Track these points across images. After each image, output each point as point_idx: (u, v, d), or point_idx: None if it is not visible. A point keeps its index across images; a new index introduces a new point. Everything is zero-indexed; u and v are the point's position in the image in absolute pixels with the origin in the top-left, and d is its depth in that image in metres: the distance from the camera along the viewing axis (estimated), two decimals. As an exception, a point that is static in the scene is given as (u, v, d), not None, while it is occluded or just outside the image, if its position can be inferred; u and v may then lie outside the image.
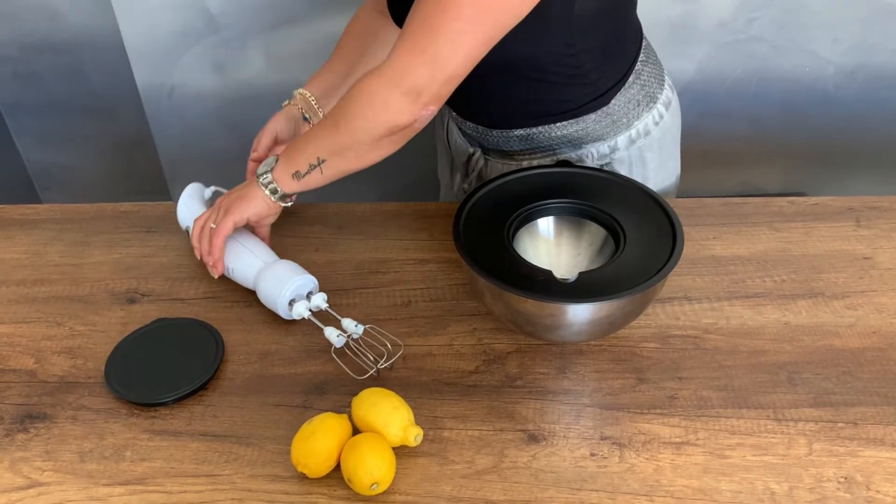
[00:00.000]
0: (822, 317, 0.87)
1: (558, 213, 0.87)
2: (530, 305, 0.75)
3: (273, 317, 0.91)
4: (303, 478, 0.72)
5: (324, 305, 0.89)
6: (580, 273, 0.77)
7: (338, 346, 0.84)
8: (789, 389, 0.79)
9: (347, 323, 0.86)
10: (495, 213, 0.85)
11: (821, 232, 0.99)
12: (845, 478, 0.70)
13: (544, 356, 0.84)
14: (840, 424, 0.75)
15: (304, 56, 1.64)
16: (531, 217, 0.86)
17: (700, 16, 1.55)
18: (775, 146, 1.75)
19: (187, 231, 1.00)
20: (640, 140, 1.00)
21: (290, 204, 0.93)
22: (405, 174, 1.73)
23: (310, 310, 0.88)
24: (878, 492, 0.69)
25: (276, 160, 0.90)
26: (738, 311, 0.88)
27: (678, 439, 0.75)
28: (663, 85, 1.02)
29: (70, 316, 0.92)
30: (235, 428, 0.78)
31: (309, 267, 0.97)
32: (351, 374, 0.82)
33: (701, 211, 1.03)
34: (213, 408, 0.80)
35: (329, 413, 0.74)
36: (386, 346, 0.84)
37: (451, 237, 0.82)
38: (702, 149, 1.75)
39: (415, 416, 0.75)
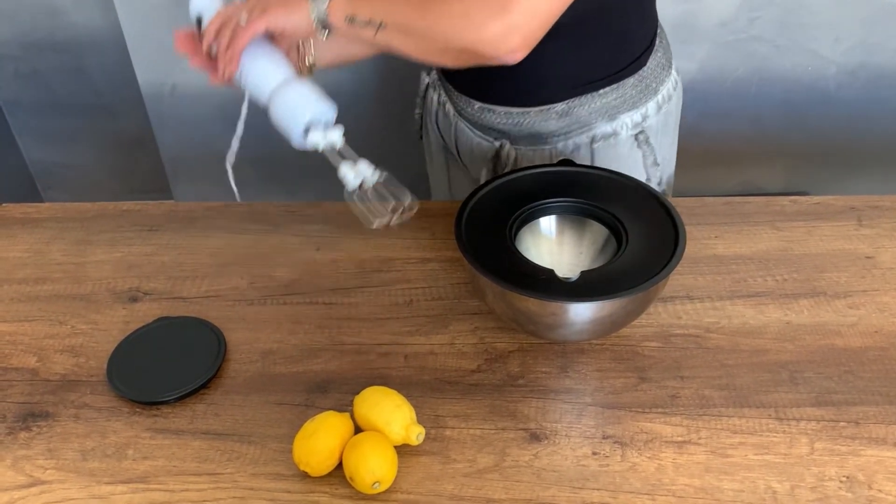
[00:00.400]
0: (824, 316, 0.87)
1: (560, 212, 0.87)
2: (532, 304, 0.75)
3: (275, 315, 0.91)
4: (304, 476, 0.72)
5: (339, 143, 0.79)
6: (582, 272, 0.77)
7: (351, 187, 0.77)
8: (791, 388, 0.79)
9: (364, 166, 0.78)
10: (497, 212, 0.85)
11: (822, 231, 0.99)
12: (847, 477, 0.71)
13: (546, 355, 0.84)
14: (842, 424, 0.75)
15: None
16: (533, 216, 0.86)
17: (701, 15, 1.55)
18: (777, 145, 1.75)
19: (197, 21, 0.85)
20: (665, 105, 1.01)
21: (324, 36, 0.83)
22: (407, 173, 1.72)
23: (326, 143, 0.79)
24: (880, 491, 0.69)
25: None
26: (740, 310, 0.89)
27: (680, 438, 0.75)
28: (671, 50, 1.04)
29: (72, 314, 0.92)
30: (237, 426, 0.78)
31: (310, 266, 0.98)
32: (364, 221, 0.76)
33: (702, 210, 1.03)
34: (215, 406, 0.80)
35: (331, 412, 0.74)
36: (406, 194, 0.78)
37: (452, 236, 0.82)
38: (703, 148, 1.75)
39: (416, 414, 0.75)
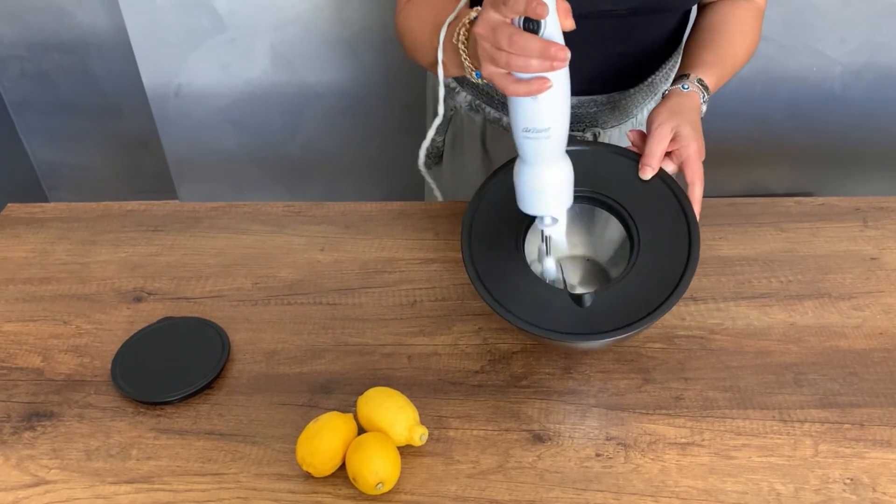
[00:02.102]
0: (829, 317, 0.87)
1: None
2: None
3: (279, 316, 0.91)
4: (308, 477, 0.72)
5: (556, 236, 0.78)
6: (595, 292, 0.77)
7: (551, 278, 0.80)
8: (795, 390, 0.79)
9: (553, 260, 0.81)
10: (505, 211, 0.83)
11: (827, 232, 0.99)
12: (851, 479, 0.70)
13: (550, 356, 0.84)
14: (846, 426, 0.75)
15: (309, 56, 1.64)
16: None
17: (707, 15, 1.54)
18: (782, 146, 1.75)
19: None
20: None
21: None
22: (410, 173, 1.73)
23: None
24: (884, 493, 0.69)
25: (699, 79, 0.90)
26: (745, 311, 0.88)
27: (684, 440, 0.74)
28: None
29: (77, 314, 0.92)
30: (241, 427, 0.78)
31: (314, 267, 0.98)
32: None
33: (707, 211, 1.03)
34: (218, 407, 0.80)
35: (334, 412, 0.74)
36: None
37: (456, 237, 0.82)
38: (708, 148, 1.74)
39: (420, 415, 0.75)
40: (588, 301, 0.76)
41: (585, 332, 0.74)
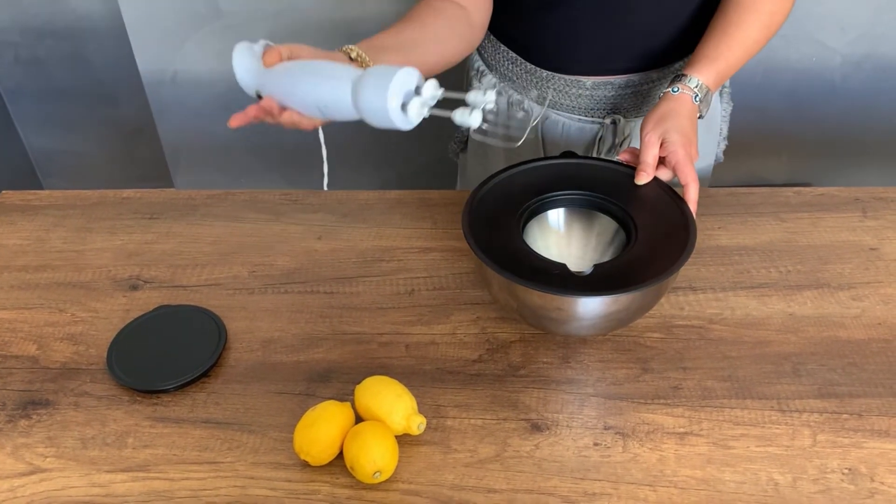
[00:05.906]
0: (828, 308, 0.87)
1: (568, 204, 0.86)
2: (546, 300, 0.73)
3: (276, 304, 0.90)
4: (305, 465, 0.72)
5: (439, 92, 0.71)
6: (595, 266, 0.76)
7: (475, 125, 0.71)
8: (794, 380, 0.79)
9: (473, 96, 0.70)
10: (505, 204, 0.84)
11: (827, 223, 0.99)
12: (849, 469, 0.70)
13: (548, 345, 0.84)
14: (844, 416, 0.75)
15: (306, 43, 1.63)
16: (541, 209, 0.85)
17: (706, 4, 1.53)
18: (781, 136, 1.75)
19: (257, 96, 0.85)
20: None
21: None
22: (412, 162, 1.72)
23: (427, 105, 0.71)
24: (882, 483, 0.69)
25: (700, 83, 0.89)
26: (743, 301, 0.88)
27: (682, 429, 0.74)
28: None
29: (72, 302, 0.92)
30: (238, 415, 0.78)
31: (311, 255, 0.97)
32: (502, 143, 0.77)
33: (706, 201, 1.03)
34: (215, 395, 0.80)
35: (332, 401, 0.74)
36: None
37: (454, 226, 0.81)
38: (706, 138, 1.74)
39: (418, 404, 0.75)
40: (587, 273, 0.76)
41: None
